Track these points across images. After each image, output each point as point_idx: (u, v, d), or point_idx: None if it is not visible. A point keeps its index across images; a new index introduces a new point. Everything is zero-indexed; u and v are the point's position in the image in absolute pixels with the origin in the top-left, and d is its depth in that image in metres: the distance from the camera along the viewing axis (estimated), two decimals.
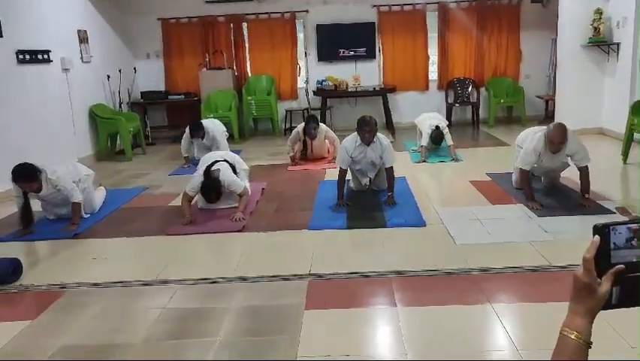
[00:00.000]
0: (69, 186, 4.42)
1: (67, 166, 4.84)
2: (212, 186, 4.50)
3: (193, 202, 4.75)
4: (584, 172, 4.36)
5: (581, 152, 4.35)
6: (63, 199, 4.51)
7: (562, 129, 4.27)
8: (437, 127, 6.46)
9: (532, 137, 4.53)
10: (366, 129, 4.75)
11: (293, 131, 6.80)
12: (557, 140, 4.27)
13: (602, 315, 0.98)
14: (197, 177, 4.57)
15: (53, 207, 4.65)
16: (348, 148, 4.84)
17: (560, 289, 2.77)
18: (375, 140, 4.82)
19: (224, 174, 4.59)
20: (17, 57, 6.01)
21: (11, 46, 5.93)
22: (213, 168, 4.60)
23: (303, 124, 6.64)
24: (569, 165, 4.57)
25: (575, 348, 0.96)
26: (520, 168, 4.56)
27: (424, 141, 6.46)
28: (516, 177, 4.93)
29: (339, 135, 6.95)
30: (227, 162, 4.79)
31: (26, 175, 4.25)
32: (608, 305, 0.96)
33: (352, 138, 4.87)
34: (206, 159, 4.84)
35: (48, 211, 4.70)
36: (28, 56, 6.19)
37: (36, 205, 4.56)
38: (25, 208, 4.37)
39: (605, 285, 0.95)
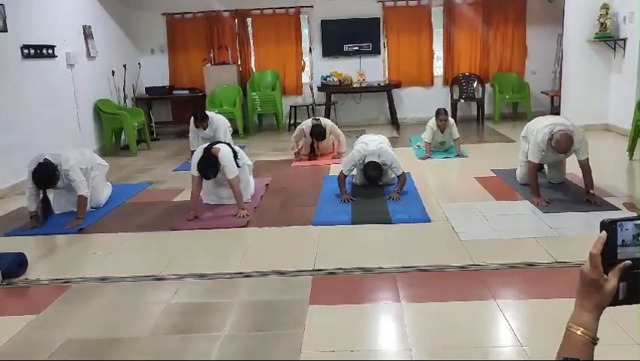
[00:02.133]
0: (77, 177, 4.43)
1: (84, 152, 4.87)
2: (210, 164, 4.41)
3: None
4: (585, 168, 4.31)
5: (583, 146, 4.32)
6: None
7: (568, 142, 4.17)
8: (444, 110, 6.55)
9: (538, 130, 4.41)
10: (374, 181, 4.99)
11: (297, 128, 6.74)
12: (561, 150, 4.24)
13: (607, 311, 0.97)
14: (198, 154, 4.49)
15: (67, 194, 4.64)
16: (357, 161, 4.84)
17: (566, 285, 2.77)
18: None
19: (224, 154, 4.49)
20: (22, 52, 6.02)
21: (16, 41, 5.93)
22: (215, 146, 4.53)
23: (309, 123, 6.53)
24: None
25: (582, 344, 0.95)
26: (530, 161, 4.48)
27: (427, 136, 6.42)
28: (521, 173, 4.91)
29: (344, 131, 6.96)
30: (230, 146, 4.75)
31: (47, 180, 4.31)
32: (615, 301, 0.96)
33: (362, 156, 4.83)
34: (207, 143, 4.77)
35: (59, 201, 4.71)
36: (33, 51, 6.20)
37: None
38: (45, 205, 4.41)
39: (612, 281, 0.94)
